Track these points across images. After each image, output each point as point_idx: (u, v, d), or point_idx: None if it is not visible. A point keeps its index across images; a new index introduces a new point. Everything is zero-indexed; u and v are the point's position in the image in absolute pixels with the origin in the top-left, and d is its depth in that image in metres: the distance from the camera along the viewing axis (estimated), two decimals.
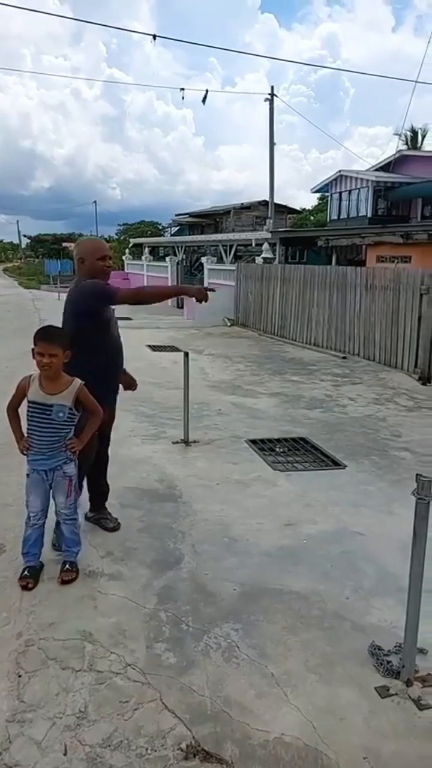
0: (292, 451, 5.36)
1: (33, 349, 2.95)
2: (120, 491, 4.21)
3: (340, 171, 22.64)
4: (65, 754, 2.09)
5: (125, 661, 2.54)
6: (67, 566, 3.14)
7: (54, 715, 2.25)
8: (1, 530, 3.62)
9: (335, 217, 22.95)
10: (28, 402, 3.00)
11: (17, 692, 2.36)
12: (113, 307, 3.40)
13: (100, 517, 3.71)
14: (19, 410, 3.12)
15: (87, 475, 3.55)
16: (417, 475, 2.29)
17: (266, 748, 2.14)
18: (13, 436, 3.11)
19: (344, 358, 10.66)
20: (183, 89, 18.09)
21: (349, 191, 22.07)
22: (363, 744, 2.17)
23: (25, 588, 3.01)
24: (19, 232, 68.24)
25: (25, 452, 3.06)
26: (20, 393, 3.05)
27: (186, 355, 5.76)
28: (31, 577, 3.06)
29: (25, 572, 3.09)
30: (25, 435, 3.05)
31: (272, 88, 19.62)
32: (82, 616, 2.84)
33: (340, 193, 22.62)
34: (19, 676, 2.45)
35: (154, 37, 14.63)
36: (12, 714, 2.25)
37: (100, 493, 3.74)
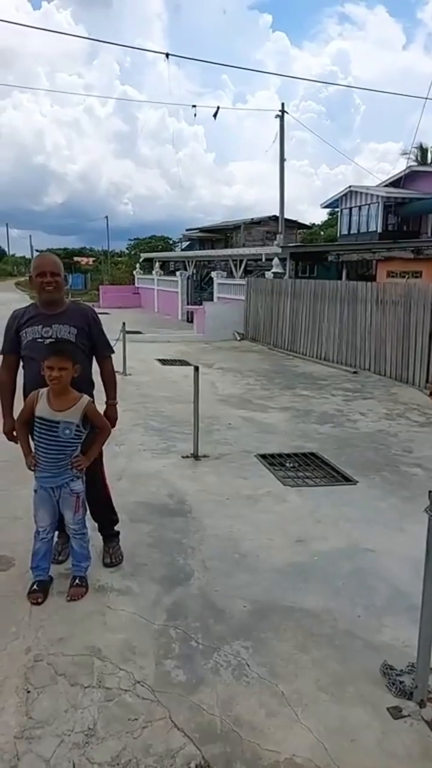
0: (302, 467, 5.33)
1: (42, 364, 2.95)
2: (130, 506, 4.21)
3: (350, 186, 22.74)
4: None
5: (134, 678, 2.52)
6: (77, 581, 3.14)
7: (62, 732, 2.24)
8: (10, 543, 3.62)
9: (345, 233, 23.02)
10: (35, 418, 2.99)
11: (26, 708, 2.35)
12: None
13: (104, 545, 3.53)
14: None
15: (89, 505, 3.38)
16: (430, 492, 2.27)
17: None
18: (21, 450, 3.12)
19: (355, 372, 10.63)
20: (195, 106, 18.32)
21: (359, 207, 22.14)
22: (375, 766, 2.13)
23: (35, 603, 3.00)
24: (31, 246, 69.15)
25: (32, 468, 3.06)
26: (29, 407, 3.04)
27: (196, 369, 5.78)
28: (40, 592, 3.06)
29: (35, 587, 3.08)
30: (33, 451, 3.06)
31: (282, 105, 19.78)
32: (91, 631, 2.82)
33: (350, 208, 22.70)
34: (28, 691, 2.43)
35: (167, 55, 14.84)
36: (21, 730, 2.23)
37: (103, 521, 3.56)
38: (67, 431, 2.96)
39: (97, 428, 3.11)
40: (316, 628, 2.90)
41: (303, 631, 2.87)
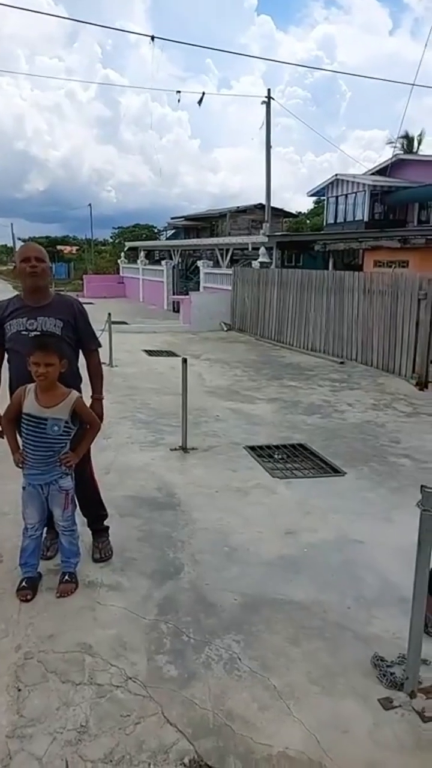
0: (291, 458, 5.34)
1: (27, 358, 2.88)
2: (119, 500, 4.19)
3: (336, 175, 22.70)
4: None
5: (126, 674, 2.51)
6: (66, 577, 3.11)
7: (54, 730, 2.23)
8: None
9: (332, 221, 23.01)
10: (23, 414, 2.94)
11: (17, 707, 2.33)
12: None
13: (94, 540, 3.52)
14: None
15: (78, 500, 3.34)
16: (422, 486, 2.27)
17: (270, 762, 2.12)
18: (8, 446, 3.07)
19: (342, 363, 10.66)
20: (179, 92, 18.07)
21: (346, 195, 22.13)
22: (367, 757, 2.15)
23: (24, 600, 2.98)
24: (13, 235, 68.12)
25: (19, 465, 3.01)
26: (16, 404, 2.98)
27: (184, 361, 5.75)
28: (29, 589, 3.03)
29: (23, 583, 3.05)
30: (21, 447, 3.02)
31: (269, 90, 19.60)
32: (82, 627, 2.81)
33: (337, 197, 22.68)
34: (19, 690, 2.41)
35: (152, 38, 14.62)
36: (12, 729, 2.22)
37: (92, 516, 3.54)
38: (56, 428, 2.91)
39: (86, 424, 3.07)
40: (307, 621, 2.91)
41: (294, 624, 2.88)
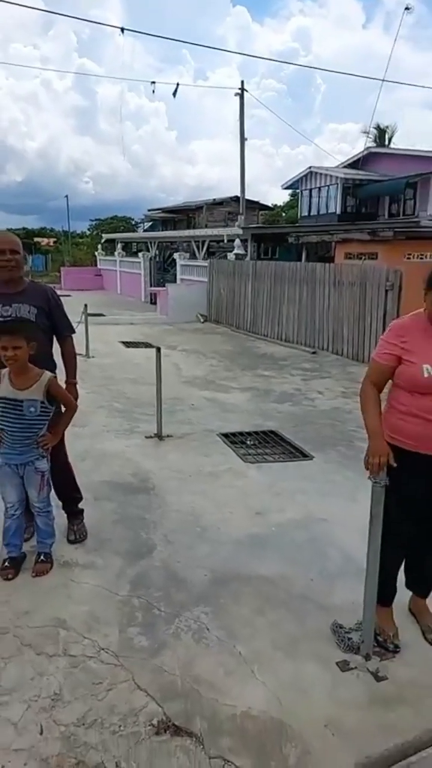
0: (262, 444, 5.49)
1: None
2: (94, 485, 4.29)
3: (310, 167, 22.86)
4: (41, 734, 2.18)
5: (99, 645, 2.63)
6: (42, 557, 3.22)
7: (29, 698, 2.34)
8: None
9: (306, 214, 23.19)
10: None
11: None
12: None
13: (69, 522, 3.62)
14: None
15: (54, 483, 3.41)
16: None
17: (234, 721, 2.26)
18: None
19: (314, 353, 10.86)
20: (154, 82, 18.12)
21: (319, 188, 22.32)
22: (325, 715, 2.30)
23: (5, 579, 3.08)
24: None
25: None
26: None
27: (158, 350, 5.85)
28: (12, 568, 3.14)
29: (6, 563, 3.16)
30: None
31: (242, 82, 19.63)
32: (57, 604, 2.92)
33: (311, 189, 22.85)
34: None
35: (122, 30, 14.55)
36: None
37: (67, 498, 3.64)
38: (32, 409, 3.00)
39: (63, 405, 3.16)
40: (273, 593, 3.06)
41: (260, 596, 3.03)
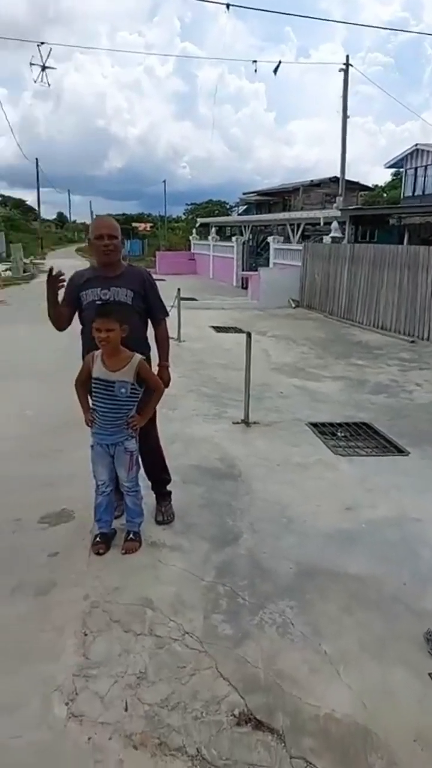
0: (354, 436, 5.31)
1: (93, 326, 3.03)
2: (183, 468, 4.34)
3: (416, 145, 21.69)
4: (126, 710, 2.24)
5: (183, 629, 2.66)
6: (131, 536, 3.31)
7: (116, 673, 2.40)
8: (69, 499, 3.82)
9: (410, 194, 22.07)
10: (93, 379, 3.12)
11: (83, 650, 2.53)
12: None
13: (157, 503, 3.68)
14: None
15: (144, 464, 3.49)
16: None
17: (317, 722, 2.20)
18: (81, 412, 3.26)
19: (413, 342, 10.34)
20: (255, 62, 17.71)
21: (426, 167, 21.12)
22: (415, 726, 2.18)
23: (97, 553, 3.20)
24: (91, 212, 70.03)
25: (89, 424, 3.21)
26: (86, 369, 3.17)
27: (249, 335, 5.79)
28: (103, 543, 3.25)
29: (98, 538, 3.28)
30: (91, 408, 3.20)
31: (347, 57, 18.90)
32: (144, 583, 2.98)
33: (416, 168, 21.70)
34: (85, 634, 2.62)
35: (228, 6, 14.37)
36: (79, 669, 2.42)
37: (156, 479, 3.71)
38: (123, 390, 3.07)
39: (150, 388, 3.21)
40: (362, 592, 2.95)
41: (348, 594, 2.93)
